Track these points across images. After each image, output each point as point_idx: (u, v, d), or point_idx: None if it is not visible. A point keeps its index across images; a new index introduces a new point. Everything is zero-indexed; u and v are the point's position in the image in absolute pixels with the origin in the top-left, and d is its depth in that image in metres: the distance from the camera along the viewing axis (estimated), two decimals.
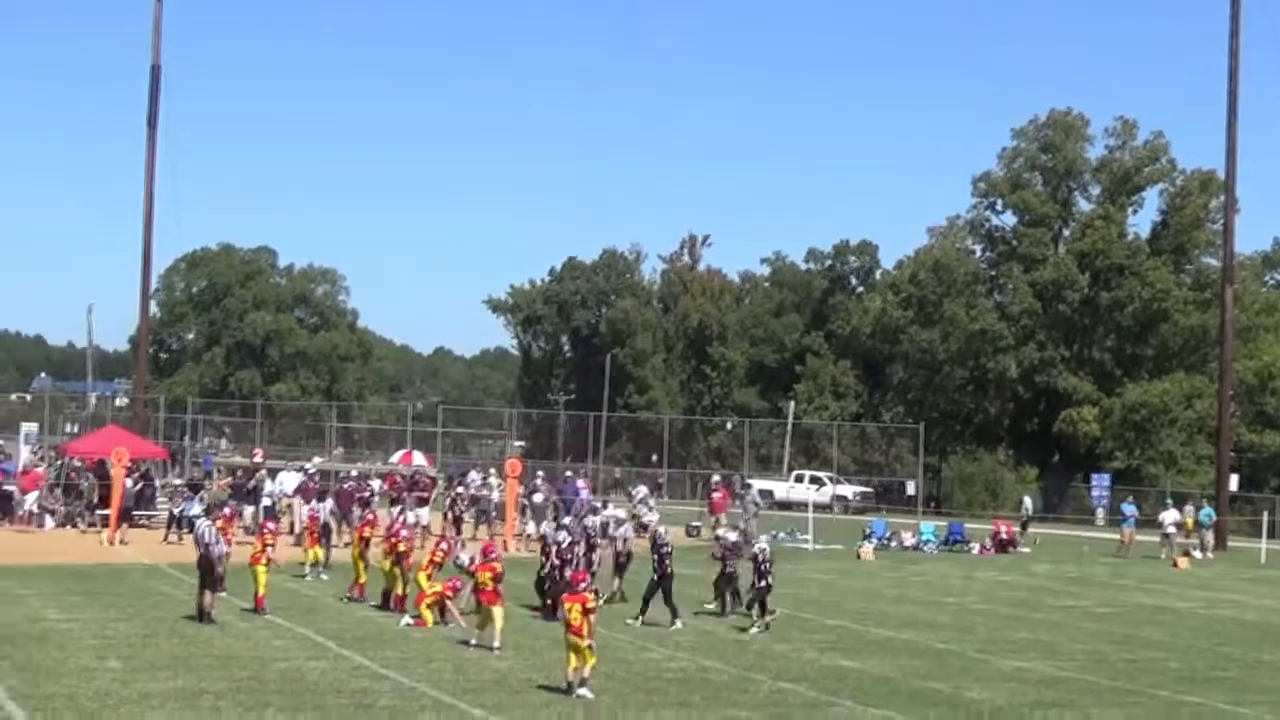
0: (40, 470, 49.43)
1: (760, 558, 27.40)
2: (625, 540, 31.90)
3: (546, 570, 27.98)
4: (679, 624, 26.66)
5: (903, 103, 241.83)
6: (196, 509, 44.23)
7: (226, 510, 34.12)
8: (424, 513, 43.69)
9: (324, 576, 32.34)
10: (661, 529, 29.90)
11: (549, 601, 27.28)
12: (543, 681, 20.25)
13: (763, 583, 27.13)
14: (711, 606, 29.35)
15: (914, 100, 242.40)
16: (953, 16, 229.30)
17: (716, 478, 57.03)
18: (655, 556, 27.89)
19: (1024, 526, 59.12)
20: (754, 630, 26.44)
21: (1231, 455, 65.65)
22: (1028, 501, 67.66)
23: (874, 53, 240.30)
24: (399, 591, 27.32)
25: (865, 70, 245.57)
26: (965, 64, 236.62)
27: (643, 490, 54.31)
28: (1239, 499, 66.00)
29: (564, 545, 27.98)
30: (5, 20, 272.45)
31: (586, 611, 19.58)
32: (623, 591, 30.19)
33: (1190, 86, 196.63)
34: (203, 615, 25.16)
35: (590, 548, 28.95)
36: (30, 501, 46.13)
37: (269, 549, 27.31)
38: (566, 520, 34.90)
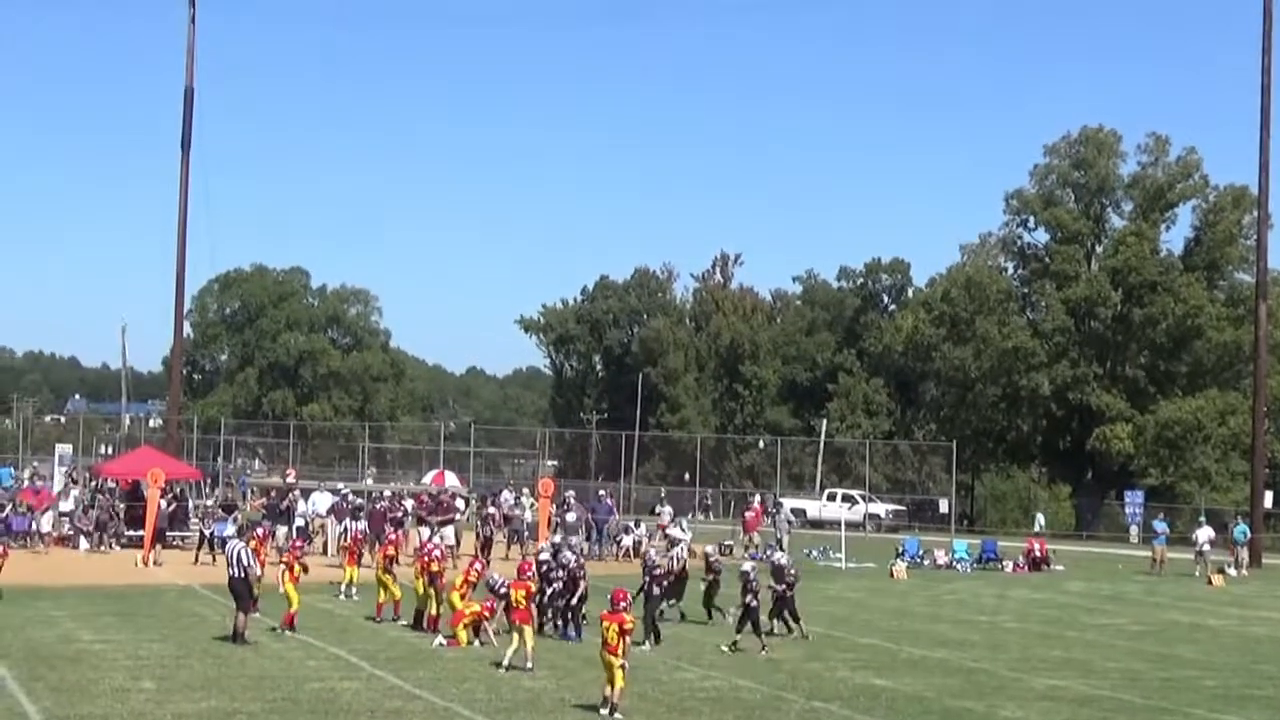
0: (46, 490, 49.15)
1: (750, 575, 27.25)
2: (681, 560, 31.66)
3: (551, 591, 27.74)
4: (647, 646, 25.94)
5: (934, 120, 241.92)
6: (229, 530, 44.40)
7: (259, 531, 34.18)
8: (448, 532, 43.74)
9: (355, 597, 32.41)
10: (653, 552, 29.70)
11: (558, 621, 27.38)
12: (575, 701, 20.25)
13: (752, 600, 26.89)
14: (736, 634, 29.27)
15: (946, 117, 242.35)
16: (985, 34, 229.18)
17: (757, 497, 57.08)
18: (646, 579, 27.72)
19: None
20: (726, 648, 26.21)
21: (1266, 472, 65.39)
22: (1040, 519, 67.45)
23: (905, 70, 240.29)
24: (433, 612, 27.35)
25: (896, 88, 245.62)
26: (997, 81, 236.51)
27: (668, 511, 54.22)
28: (1273, 516, 65.70)
29: (571, 566, 27.83)
30: (38, 43, 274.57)
31: (623, 632, 19.61)
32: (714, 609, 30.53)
33: (1222, 101, 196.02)
34: (237, 636, 25.24)
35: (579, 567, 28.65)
36: (47, 523, 45.63)
37: (289, 568, 27.52)
38: (557, 539, 34.80)
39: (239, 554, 25.92)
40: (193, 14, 63.42)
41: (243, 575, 25.54)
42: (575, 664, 23.46)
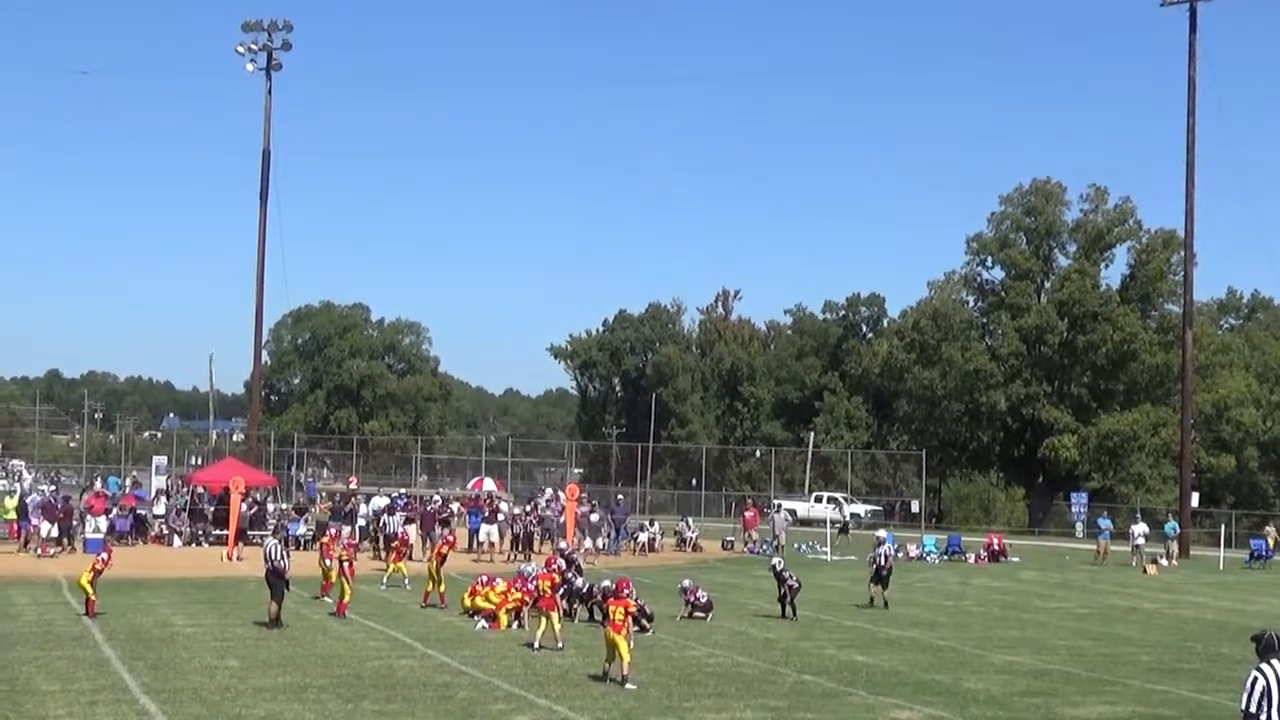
0: (104, 496, 48.21)
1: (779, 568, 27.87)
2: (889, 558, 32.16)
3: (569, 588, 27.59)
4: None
5: (908, 175, 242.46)
6: (301, 529, 44.52)
7: (330, 530, 34.18)
8: (492, 530, 43.68)
9: (408, 587, 32.22)
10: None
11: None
12: (594, 673, 20.19)
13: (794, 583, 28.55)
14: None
15: (917, 172, 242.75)
16: (950, 100, 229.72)
17: (751, 501, 56.89)
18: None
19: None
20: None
21: (1192, 476, 65.19)
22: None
23: (882, 134, 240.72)
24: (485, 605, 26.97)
25: (876, 150, 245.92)
26: (961, 139, 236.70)
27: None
28: (1199, 514, 65.47)
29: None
30: (149, 111, 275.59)
31: (628, 613, 20.00)
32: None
33: (1154, 156, 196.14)
34: (275, 622, 24.93)
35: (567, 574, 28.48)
36: (91, 525, 43.10)
37: (348, 563, 27.60)
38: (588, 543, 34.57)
39: (272, 550, 25.76)
40: (269, 87, 63.87)
41: (274, 568, 25.34)
42: (601, 644, 23.40)
